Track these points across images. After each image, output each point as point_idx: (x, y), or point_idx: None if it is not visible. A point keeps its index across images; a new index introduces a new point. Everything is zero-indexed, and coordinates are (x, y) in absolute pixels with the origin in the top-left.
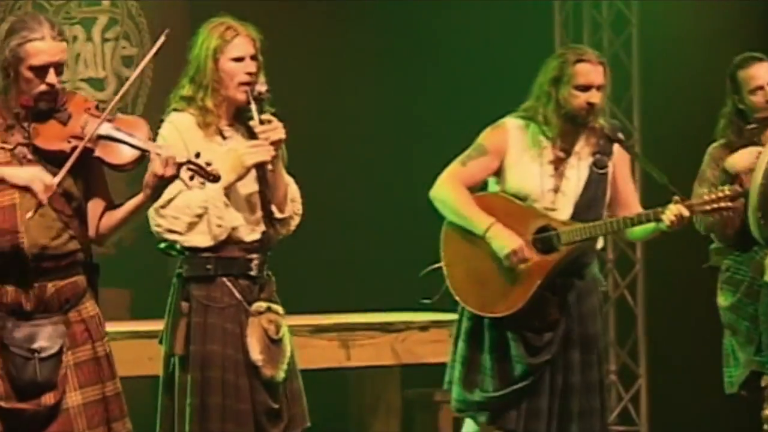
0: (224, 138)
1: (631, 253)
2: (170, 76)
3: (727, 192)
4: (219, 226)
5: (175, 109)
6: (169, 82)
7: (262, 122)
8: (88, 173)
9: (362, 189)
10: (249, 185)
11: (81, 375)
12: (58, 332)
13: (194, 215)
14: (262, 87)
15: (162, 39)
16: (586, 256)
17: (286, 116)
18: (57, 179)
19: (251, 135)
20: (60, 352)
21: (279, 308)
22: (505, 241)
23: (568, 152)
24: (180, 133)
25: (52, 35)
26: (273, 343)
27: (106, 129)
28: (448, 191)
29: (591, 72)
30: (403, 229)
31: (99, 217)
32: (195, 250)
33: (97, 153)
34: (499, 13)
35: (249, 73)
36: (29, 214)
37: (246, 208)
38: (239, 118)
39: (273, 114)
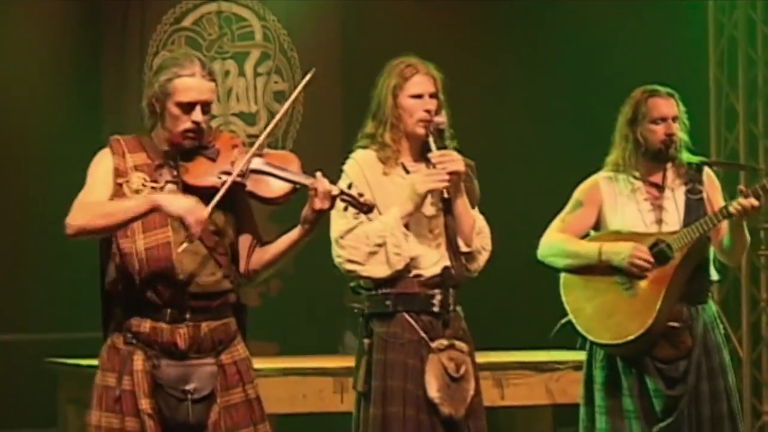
0: (408, 172)
1: None
2: (321, 111)
3: None
4: (397, 254)
5: (359, 147)
6: (319, 117)
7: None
8: (237, 209)
9: (520, 225)
10: (434, 218)
11: (230, 418)
12: (210, 374)
13: (374, 245)
14: (440, 119)
15: (309, 75)
16: (703, 280)
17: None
18: (207, 211)
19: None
20: (212, 394)
21: (463, 345)
22: (621, 250)
23: (660, 188)
24: (361, 168)
25: (202, 74)
26: (453, 381)
27: (257, 163)
28: (551, 241)
29: (663, 105)
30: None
31: (249, 252)
32: (376, 287)
33: (249, 187)
34: (654, 50)
35: (427, 110)
36: (182, 247)
37: (429, 240)
38: (423, 153)
39: (456, 149)
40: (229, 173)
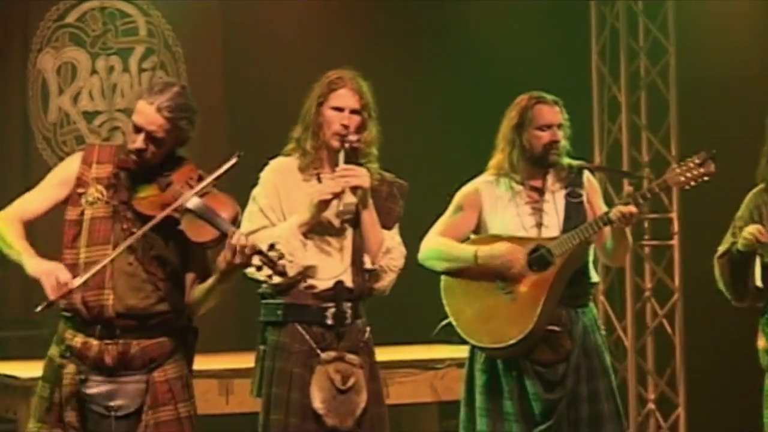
0: (321, 182)
1: (670, 282)
2: (202, 106)
3: (696, 160)
4: (290, 261)
5: (284, 153)
6: (202, 112)
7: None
8: (187, 243)
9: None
10: (341, 231)
11: None
12: (137, 391)
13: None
14: (353, 137)
15: (233, 161)
16: (583, 283)
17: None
18: (78, 281)
19: None
20: (139, 411)
21: (354, 358)
22: (494, 251)
23: (541, 191)
24: (275, 174)
25: (154, 103)
26: (340, 393)
27: (193, 203)
28: (430, 245)
29: (549, 112)
30: None
31: (191, 286)
32: (272, 294)
33: (182, 226)
34: (537, 44)
35: (344, 125)
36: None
37: (331, 252)
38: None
39: (385, 170)
40: (169, 206)
